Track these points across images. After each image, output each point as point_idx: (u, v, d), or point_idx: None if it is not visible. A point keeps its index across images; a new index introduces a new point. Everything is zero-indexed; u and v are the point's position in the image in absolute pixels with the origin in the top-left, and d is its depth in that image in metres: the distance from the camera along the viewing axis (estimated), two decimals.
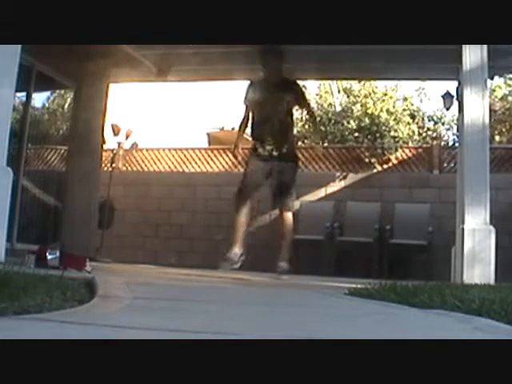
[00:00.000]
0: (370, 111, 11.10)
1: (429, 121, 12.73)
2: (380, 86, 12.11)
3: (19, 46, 4.26)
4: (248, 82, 5.77)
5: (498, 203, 6.89)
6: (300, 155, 9.74)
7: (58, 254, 4.21)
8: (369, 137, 10.42)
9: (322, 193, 9.18)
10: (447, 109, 7.72)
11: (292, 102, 5.50)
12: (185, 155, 10.32)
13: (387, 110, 11.20)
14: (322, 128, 11.36)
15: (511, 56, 6.18)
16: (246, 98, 5.61)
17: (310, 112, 6.16)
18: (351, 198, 9.04)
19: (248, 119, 5.67)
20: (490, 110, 6.40)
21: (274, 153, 5.36)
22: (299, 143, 11.72)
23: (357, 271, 7.79)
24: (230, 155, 10.15)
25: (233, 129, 14.52)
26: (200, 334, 1.44)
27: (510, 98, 12.79)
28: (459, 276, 5.15)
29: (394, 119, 10.75)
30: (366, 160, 9.43)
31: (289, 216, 5.47)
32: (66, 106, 8.03)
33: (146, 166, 10.41)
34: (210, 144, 13.72)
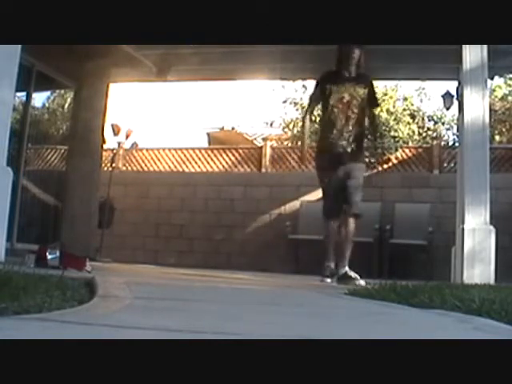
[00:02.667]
0: None
1: (429, 121, 12.73)
2: (380, 85, 12.11)
3: (19, 46, 4.26)
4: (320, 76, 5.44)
5: (498, 203, 6.89)
6: (300, 155, 9.82)
7: (57, 253, 4.21)
8: (369, 137, 10.41)
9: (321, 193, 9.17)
10: (447, 109, 7.73)
11: (365, 99, 5.15)
12: (185, 155, 10.32)
13: (387, 110, 11.20)
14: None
15: (511, 56, 6.19)
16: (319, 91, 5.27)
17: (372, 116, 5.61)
18: None
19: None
20: (490, 110, 6.40)
21: (343, 150, 5.03)
22: (299, 143, 11.73)
23: (357, 271, 7.79)
24: (230, 155, 10.20)
25: (233, 128, 14.55)
26: (200, 333, 1.44)
27: (510, 98, 12.79)
28: (459, 276, 5.15)
29: (394, 119, 10.75)
30: (366, 160, 9.43)
31: (352, 220, 5.09)
32: (66, 105, 8.03)
33: (145, 165, 10.41)
34: (209, 144, 13.73)
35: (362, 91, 5.11)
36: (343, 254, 5.15)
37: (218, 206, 9.53)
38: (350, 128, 5.05)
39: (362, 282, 4.78)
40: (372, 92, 5.27)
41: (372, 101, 5.28)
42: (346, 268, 5.10)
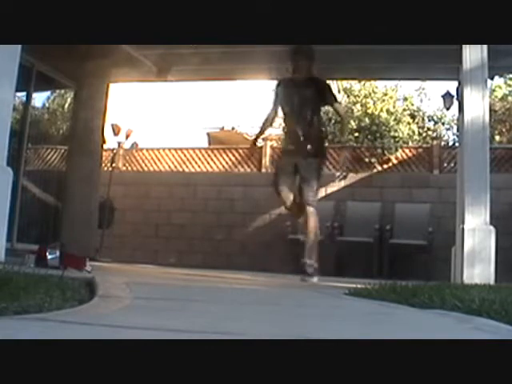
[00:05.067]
0: (370, 111, 11.10)
1: (429, 121, 12.73)
2: (380, 85, 12.10)
3: (19, 46, 4.26)
4: (276, 82, 5.83)
5: (498, 203, 6.89)
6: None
7: (57, 253, 4.21)
8: (369, 137, 10.42)
9: (322, 193, 9.17)
10: (447, 109, 7.73)
11: (318, 99, 5.48)
12: (185, 155, 10.32)
13: (387, 110, 11.19)
14: (322, 128, 11.32)
15: (511, 56, 6.19)
16: (276, 96, 5.65)
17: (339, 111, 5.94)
18: (351, 197, 9.05)
19: (273, 117, 5.75)
20: (490, 110, 6.40)
21: (300, 149, 5.33)
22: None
23: (357, 271, 7.80)
24: (230, 155, 10.20)
25: (233, 128, 14.54)
26: (200, 333, 1.44)
27: (510, 98, 12.79)
28: (459, 276, 5.15)
29: (394, 119, 10.74)
30: (366, 160, 9.44)
31: (312, 211, 5.32)
32: (66, 105, 8.03)
33: (146, 165, 10.41)
34: (209, 144, 13.73)
35: (310, 93, 5.38)
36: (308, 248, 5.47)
37: (217, 206, 9.53)
38: (303, 129, 5.35)
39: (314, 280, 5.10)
40: (324, 92, 5.49)
41: (328, 99, 5.54)
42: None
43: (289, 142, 5.60)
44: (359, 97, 11.81)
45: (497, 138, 12.02)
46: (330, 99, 5.58)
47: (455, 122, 11.13)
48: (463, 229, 5.26)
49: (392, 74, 8.69)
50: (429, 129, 12.63)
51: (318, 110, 5.56)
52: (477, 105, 5.42)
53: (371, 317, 2.15)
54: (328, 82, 5.91)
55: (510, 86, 12.99)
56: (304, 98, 5.37)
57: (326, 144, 6.02)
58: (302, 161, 5.32)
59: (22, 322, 1.47)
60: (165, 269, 6.64)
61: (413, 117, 12.01)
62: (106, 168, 9.03)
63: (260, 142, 11.09)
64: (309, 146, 5.32)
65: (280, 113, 5.67)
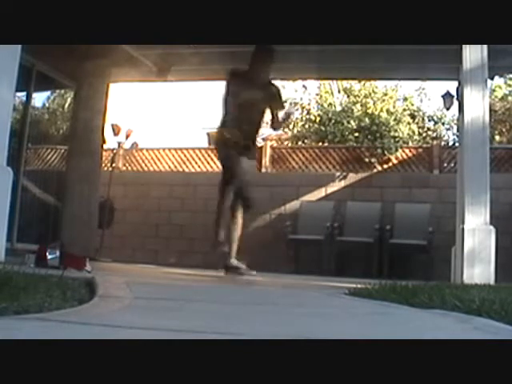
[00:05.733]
0: (370, 111, 11.10)
1: (429, 121, 12.74)
2: (380, 85, 12.12)
3: (19, 46, 4.26)
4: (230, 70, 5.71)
5: (498, 203, 6.89)
6: (300, 155, 9.82)
7: (57, 253, 4.21)
8: (369, 137, 10.42)
9: (322, 193, 9.18)
10: (447, 109, 7.72)
11: (267, 102, 5.52)
12: (185, 155, 10.32)
13: (387, 110, 11.20)
14: (322, 128, 11.35)
15: (511, 56, 6.18)
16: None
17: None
18: (351, 198, 9.04)
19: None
20: (490, 110, 6.40)
21: (241, 144, 5.39)
22: (299, 143, 11.73)
23: (357, 271, 7.80)
24: None
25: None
26: (200, 333, 1.44)
27: (510, 98, 12.79)
28: (459, 276, 5.15)
29: (394, 119, 10.75)
30: (366, 160, 9.44)
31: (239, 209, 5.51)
32: (66, 105, 8.03)
33: (146, 165, 10.41)
34: (210, 144, 13.72)
35: (261, 96, 5.43)
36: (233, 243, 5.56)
37: None
38: (249, 126, 5.45)
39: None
40: (274, 96, 5.55)
41: (277, 104, 5.61)
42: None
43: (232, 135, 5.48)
44: (359, 97, 11.82)
45: (497, 137, 12.02)
46: (280, 105, 5.66)
47: (455, 122, 11.13)
48: (463, 229, 5.26)
49: (392, 74, 8.69)
50: (429, 129, 12.63)
51: (264, 113, 5.60)
52: (477, 105, 5.42)
53: (371, 317, 2.15)
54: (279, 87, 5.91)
55: (510, 85, 13.00)
56: (257, 99, 5.40)
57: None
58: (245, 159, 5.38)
59: (22, 321, 1.47)
60: (165, 269, 6.64)
61: (413, 117, 12.02)
62: (106, 168, 9.03)
63: (260, 142, 11.10)
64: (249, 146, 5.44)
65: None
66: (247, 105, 5.36)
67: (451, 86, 7.04)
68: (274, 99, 5.53)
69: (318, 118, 11.68)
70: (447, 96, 7.38)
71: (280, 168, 9.82)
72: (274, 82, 5.72)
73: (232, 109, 5.45)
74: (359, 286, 3.42)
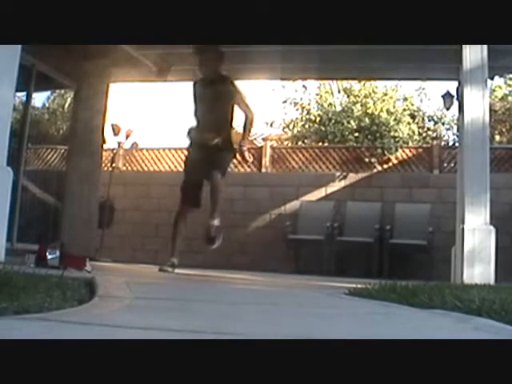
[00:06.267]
0: (370, 111, 11.10)
1: (429, 121, 12.74)
2: (380, 85, 12.11)
3: (19, 46, 4.26)
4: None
5: (498, 203, 6.89)
6: (300, 155, 9.82)
7: (57, 253, 4.20)
8: (369, 137, 10.43)
9: (322, 193, 9.18)
10: (447, 109, 7.72)
11: (228, 98, 5.63)
12: (185, 155, 10.30)
13: (387, 110, 11.20)
14: (322, 128, 11.36)
15: (511, 56, 6.18)
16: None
17: (246, 109, 5.93)
18: (351, 198, 9.05)
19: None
20: (490, 110, 6.40)
21: (210, 143, 5.53)
22: (299, 143, 11.73)
23: (357, 271, 7.80)
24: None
25: (233, 129, 14.53)
26: (200, 333, 1.44)
27: (510, 98, 12.79)
28: (459, 276, 5.15)
29: (394, 119, 10.75)
30: (366, 160, 9.44)
31: (217, 180, 5.57)
32: (66, 105, 8.03)
33: (146, 165, 10.41)
34: None
35: (223, 93, 5.59)
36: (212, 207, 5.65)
37: None
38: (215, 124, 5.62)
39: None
40: (231, 92, 5.67)
41: (236, 100, 5.73)
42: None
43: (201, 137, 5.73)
44: (359, 97, 11.82)
45: (497, 137, 12.02)
46: (239, 98, 5.74)
47: (455, 122, 11.13)
48: (463, 229, 5.26)
49: (392, 74, 8.69)
50: (429, 129, 12.64)
51: (229, 108, 5.72)
52: (477, 105, 5.42)
53: (371, 317, 2.15)
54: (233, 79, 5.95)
55: (510, 85, 12.99)
56: (216, 96, 5.55)
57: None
58: (215, 154, 5.52)
59: (22, 321, 1.47)
60: None
61: (413, 117, 12.02)
62: (106, 168, 9.03)
63: (260, 142, 11.11)
64: (221, 141, 5.55)
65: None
66: (207, 105, 5.60)
67: (451, 86, 7.05)
68: (231, 92, 5.63)
69: (318, 118, 11.68)
70: (447, 96, 7.38)
71: (280, 168, 9.82)
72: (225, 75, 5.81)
73: (197, 114, 5.75)
74: (359, 285, 3.42)
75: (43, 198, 7.39)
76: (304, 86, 12.39)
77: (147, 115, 13.14)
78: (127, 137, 9.36)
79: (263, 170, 9.80)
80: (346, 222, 8.78)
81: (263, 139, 10.95)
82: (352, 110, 11.40)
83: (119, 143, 9.52)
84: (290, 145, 11.56)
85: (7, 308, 1.64)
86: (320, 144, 10.86)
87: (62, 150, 7.70)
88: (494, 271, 5.08)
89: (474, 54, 5.41)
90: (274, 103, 12.87)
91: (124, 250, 9.00)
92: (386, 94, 11.83)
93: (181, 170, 10.24)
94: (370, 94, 11.79)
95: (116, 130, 8.97)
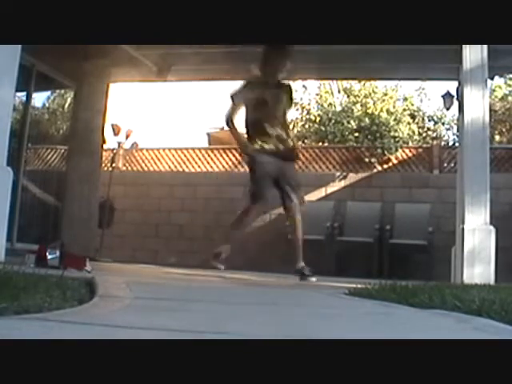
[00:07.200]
0: (370, 111, 11.10)
1: (429, 121, 12.74)
2: (380, 86, 12.12)
3: (19, 46, 4.26)
4: (243, 82, 5.65)
5: (498, 203, 6.89)
6: (300, 155, 9.81)
7: (57, 253, 4.20)
8: (369, 137, 10.42)
9: (322, 193, 9.18)
10: (447, 109, 7.72)
11: (287, 103, 5.49)
12: (185, 155, 10.32)
13: (387, 110, 11.20)
14: (322, 128, 11.36)
15: (511, 56, 6.18)
16: (241, 96, 5.53)
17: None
18: (351, 198, 9.05)
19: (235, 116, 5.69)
20: (490, 110, 6.40)
21: (279, 148, 5.31)
22: (299, 143, 11.73)
23: (357, 271, 7.80)
24: (231, 155, 10.19)
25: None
26: (200, 333, 1.44)
27: (510, 98, 12.79)
28: (459, 276, 5.15)
29: (394, 119, 10.75)
30: (366, 160, 9.44)
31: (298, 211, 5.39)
32: (66, 105, 8.03)
33: (146, 165, 10.41)
34: (210, 144, 13.72)
35: (284, 98, 5.39)
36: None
37: (217, 206, 9.52)
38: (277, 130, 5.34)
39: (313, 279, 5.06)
40: (291, 97, 5.54)
41: (289, 105, 5.61)
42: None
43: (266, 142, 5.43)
44: (359, 97, 11.82)
45: (497, 137, 12.03)
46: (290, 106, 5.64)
47: (455, 122, 11.13)
48: (463, 229, 5.26)
49: (392, 74, 8.69)
50: (429, 129, 12.64)
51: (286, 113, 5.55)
52: (477, 105, 5.42)
53: (371, 317, 2.15)
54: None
55: (510, 85, 13.00)
56: (279, 100, 5.35)
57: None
58: (285, 162, 5.34)
59: (22, 321, 1.46)
60: (165, 269, 6.64)
61: (413, 117, 12.02)
62: (106, 168, 9.03)
63: None
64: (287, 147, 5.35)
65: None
66: (269, 109, 5.32)
67: (451, 86, 7.05)
68: (288, 99, 5.48)
69: (318, 118, 11.68)
70: (447, 96, 7.38)
71: None
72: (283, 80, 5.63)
73: (253, 118, 5.47)
74: (359, 285, 3.42)
75: (43, 198, 7.39)
76: (304, 86, 12.40)
77: (147, 115, 13.13)
78: (127, 137, 9.36)
79: None
80: (346, 222, 8.78)
81: None
82: (352, 109, 11.40)
83: (119, 143, 9.53)
84: None
85: (7, 308, 1.64)
86: (320, 144, 10.86)
87: (62, 150, 7.71)
88: (494, 271, 5.08)
89: (474, 54, 5.41)
90: None
91: (124, 249, 9.00)
92: (385, 94, 11.83)
93: (180, 170, 10.30)
94: (370, 94, 11.80)
95: (116, 130, 8.97)
